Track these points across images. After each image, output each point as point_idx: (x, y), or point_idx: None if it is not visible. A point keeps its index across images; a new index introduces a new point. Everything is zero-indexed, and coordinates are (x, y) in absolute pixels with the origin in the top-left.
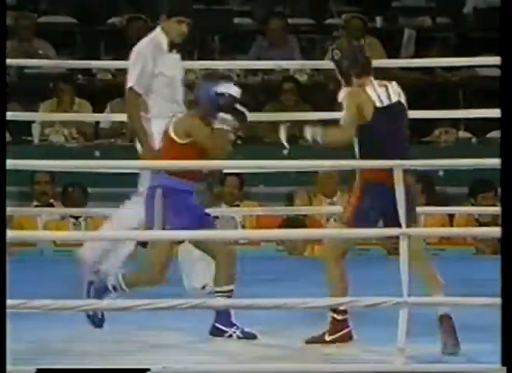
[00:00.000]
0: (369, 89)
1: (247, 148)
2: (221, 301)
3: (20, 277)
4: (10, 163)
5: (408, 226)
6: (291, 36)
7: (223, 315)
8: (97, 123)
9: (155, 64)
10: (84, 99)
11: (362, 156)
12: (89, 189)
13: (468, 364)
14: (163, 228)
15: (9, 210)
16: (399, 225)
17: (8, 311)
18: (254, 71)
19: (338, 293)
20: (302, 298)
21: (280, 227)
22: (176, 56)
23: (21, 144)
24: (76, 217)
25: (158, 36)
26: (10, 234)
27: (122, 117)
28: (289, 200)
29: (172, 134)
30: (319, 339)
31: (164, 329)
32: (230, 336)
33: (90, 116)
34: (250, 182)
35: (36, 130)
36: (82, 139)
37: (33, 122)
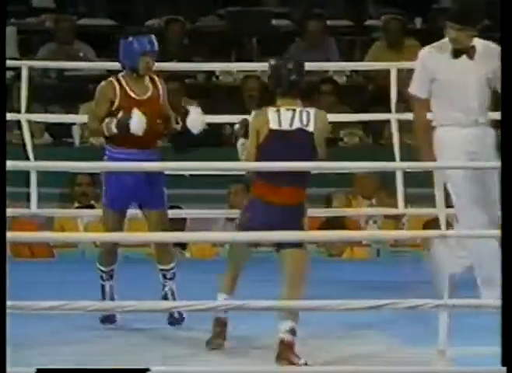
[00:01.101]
0: (270, 111)
1: None
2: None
3: (62, 279)
4: (10, 164)
5: None
6: (329, 37)
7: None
8: None
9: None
10: None
11: (258, 177)
12: None
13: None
14: None
15: (50, 211)
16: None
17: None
18: None
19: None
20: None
21: (319, 229)
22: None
23: (62, 146)
24: None
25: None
26: (10, 235)
27: None
28: (328, 201)
29: None
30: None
31: None
32: None
33: None
34: None
35: (76, 132)
36: None
37: (74, 124)
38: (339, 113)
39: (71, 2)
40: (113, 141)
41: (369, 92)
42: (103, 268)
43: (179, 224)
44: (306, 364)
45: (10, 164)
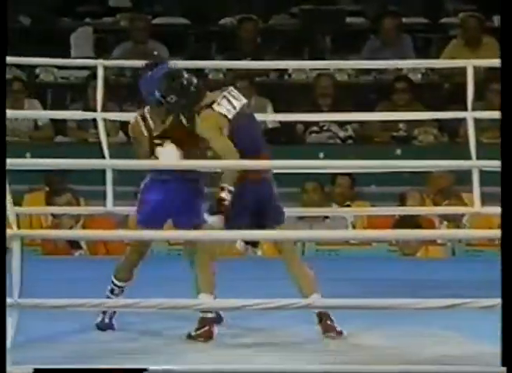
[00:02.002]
0: (216, 107)
1: (358, 147)
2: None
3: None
4: (10, 162)
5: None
6: (405, 35)
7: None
8: None
9: None
10: None
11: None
12: None
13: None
14: None
15: (125, 209)
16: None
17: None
18: (367, 71)
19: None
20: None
21: (393, 227)
22: None
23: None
24: None
25: None
26: (86, 233)
27: None
28: (402, 200)
29: None
30: (189, 336)
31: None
32: None
33: None
34: (362, 182)
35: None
36: None
37: None
38: (414, 111)
39: (146, 1)
40: None
41: (444, 90)
42: (118, 283)
43: None
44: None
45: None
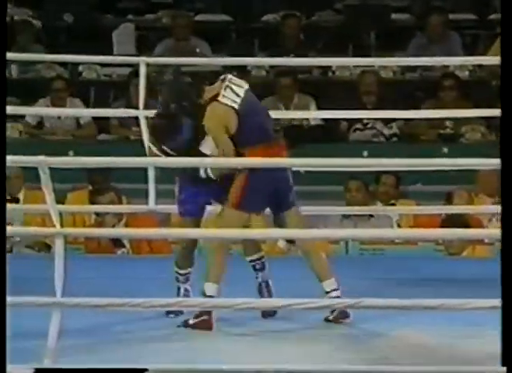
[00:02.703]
0: (222, 99)
1: (403, 145)
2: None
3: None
4: (10, 159)
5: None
6: (452, 32)
7: None
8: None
9: None
10: None
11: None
12: None
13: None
14: None
15: (168, 208)
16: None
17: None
18: (413, 68)
19: (214, 277)
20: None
21: (440, 227)
22: None
23: None
24: None
25: None
26: (128, 231)
27: (276, 114)
28: (449, 199)
29: None
30: (185, 322)
31: None
32: None
33: None
34: (407, 180)
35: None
36: None
37: None
38: (461, 108)
39: None
40: None
41: (492, 87)
42: (179, 271)
43: None
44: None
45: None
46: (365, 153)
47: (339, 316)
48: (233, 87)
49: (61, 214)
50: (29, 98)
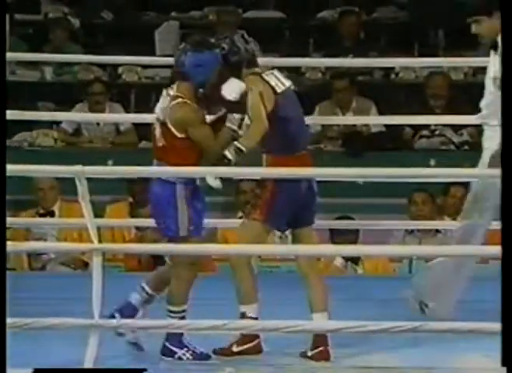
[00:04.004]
0: (265, 77)
1: (475, 154)
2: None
3: (223, 295)
4: (44, 169)
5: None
6: None
7: (174, 336)
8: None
9: None
10: None
11: (271, 141)
12: None
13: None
14: None
15: (213, 222)
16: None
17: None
18: (486, 69)
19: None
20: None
21: None
22: None
23: None
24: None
25: None
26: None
27: (332, 120)
28: None
29: (171, 128)
30: (226, 351)
31: None
32: (180, 358)
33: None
34: None
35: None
36: None
37: None
38: None
39: None
40: None
41: None
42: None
43: (351, 237)
44: None
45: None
46: (432, 162)
47: (317, 355)
48: (278, 76)
49: (99, 229)
50: (65, 103)
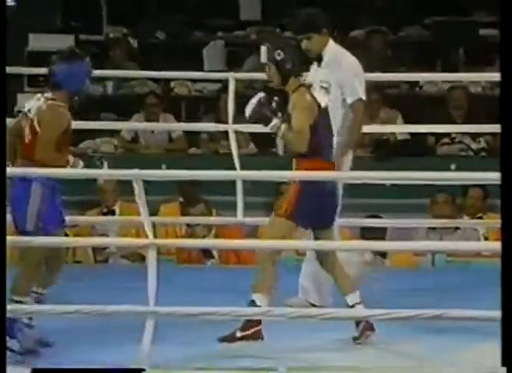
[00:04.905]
0: (312, 91)
1: (492, 159)
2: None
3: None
4: (105, 173)
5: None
6: None
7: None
8: None
9: None
10: None
11: (305, 155)
12: None
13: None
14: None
15: (255, 220)
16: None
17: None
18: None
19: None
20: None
21: None
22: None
23: (266, 156)
24: None
25: None
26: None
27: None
28: None
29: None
30: (231, 337)
31: None
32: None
33: None
34: (496, 194)
35: (280, 142)
36: None
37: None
38: None
39: (276, 15)
40: None
41: None
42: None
43: (379, 233)
44: None
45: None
46: (452, 167)
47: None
48: (318, 90)
49: (154, 226)
50: (124, 114)
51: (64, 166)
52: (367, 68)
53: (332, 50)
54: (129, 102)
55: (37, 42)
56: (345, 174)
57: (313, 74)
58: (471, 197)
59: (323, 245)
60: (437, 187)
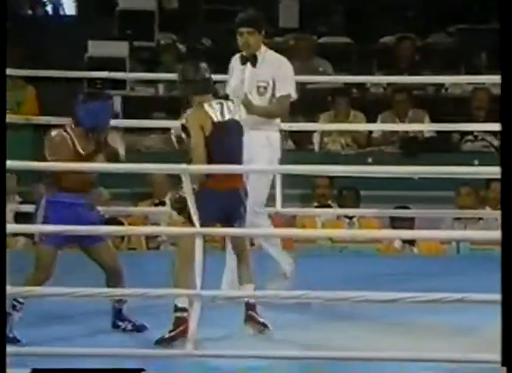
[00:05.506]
0: (207, 107)
1: None
2: None
3: (300, 272)
4: (10, 164)
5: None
6: None
7: (116, 311)
8: (370, 132)
9: None
10: (358, 110)
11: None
12: (362, 192)
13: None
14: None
15: (293, 210)
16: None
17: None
18: None
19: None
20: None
21: None
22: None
23: (303, 152)
24: (350, 218)
25: None
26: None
27: (392, 127)
28: None
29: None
30: (163, 339)
31: None
32: (124, 329)
33: (363, 126)
34: None
35: (316, 139)
36: (356, 147)
37: (314, 132)
38: None
39: (313, 23)
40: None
41: None
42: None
43: (407, 223)
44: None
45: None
46: (476, 162)
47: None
48: (224, 108)
49: None
50: (174, 113)
51: (86, 182)
52: (397, 72)
53: (266, 51)
54: (179, 103)
55: (96, 48)
56: (376, 169)
57: (249, 75)
58: (493, 190)
59: (356, 233)
60: (461, 181)
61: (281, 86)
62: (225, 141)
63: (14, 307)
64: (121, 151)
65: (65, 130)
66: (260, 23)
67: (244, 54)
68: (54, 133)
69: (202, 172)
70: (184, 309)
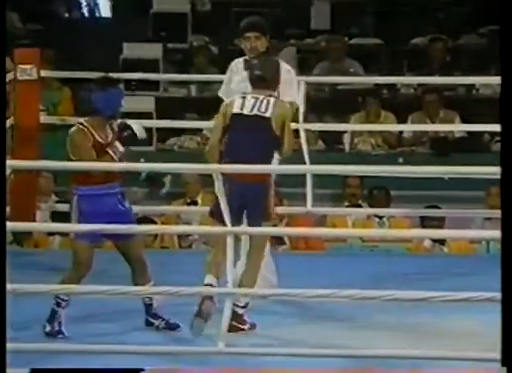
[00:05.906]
0: (237, 98)
1: None
2: None
3: (332, 270)
4: (10, 163)
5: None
6: None
7: (149, 309)
8: (400, 132)
9: None
10: (389, 111)
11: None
12: (392, 192)
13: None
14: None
15: (324, 210)
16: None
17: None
18: None
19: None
20: None
21: None
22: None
23: (333, 152)
24: (380, 217)
25: None
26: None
27: (422, 127)
28: None
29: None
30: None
31: None
32: (157, 327)
33: (394, 127)
34: None
35: (347, 139)
36: (387, 147)
37: (345, 132)
38: None
39: (345, 24)
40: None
41: None
42: None
43: (438, 223)
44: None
45: (10, 163)
46: None
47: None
48: (246, 101)
49: None
50: (206, 114)
51: (113, 172)
52: (428, 73)
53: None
54: (211, 104)
55: (131, 50)
56: (405, 169)
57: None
58: None
59: (386, 233)
60: (492, 181)
61: (285, 92)
62: (240, 134)
63: (59, 304)
64: (140, 134)
65: (81, 124)
66: (265, 28)
67: (248, 58)
68: (72, 130)
69: (233, 171)
70: (245, 307)
